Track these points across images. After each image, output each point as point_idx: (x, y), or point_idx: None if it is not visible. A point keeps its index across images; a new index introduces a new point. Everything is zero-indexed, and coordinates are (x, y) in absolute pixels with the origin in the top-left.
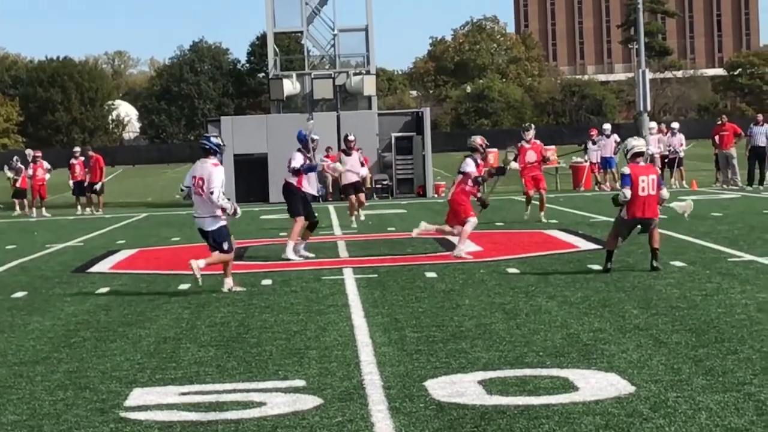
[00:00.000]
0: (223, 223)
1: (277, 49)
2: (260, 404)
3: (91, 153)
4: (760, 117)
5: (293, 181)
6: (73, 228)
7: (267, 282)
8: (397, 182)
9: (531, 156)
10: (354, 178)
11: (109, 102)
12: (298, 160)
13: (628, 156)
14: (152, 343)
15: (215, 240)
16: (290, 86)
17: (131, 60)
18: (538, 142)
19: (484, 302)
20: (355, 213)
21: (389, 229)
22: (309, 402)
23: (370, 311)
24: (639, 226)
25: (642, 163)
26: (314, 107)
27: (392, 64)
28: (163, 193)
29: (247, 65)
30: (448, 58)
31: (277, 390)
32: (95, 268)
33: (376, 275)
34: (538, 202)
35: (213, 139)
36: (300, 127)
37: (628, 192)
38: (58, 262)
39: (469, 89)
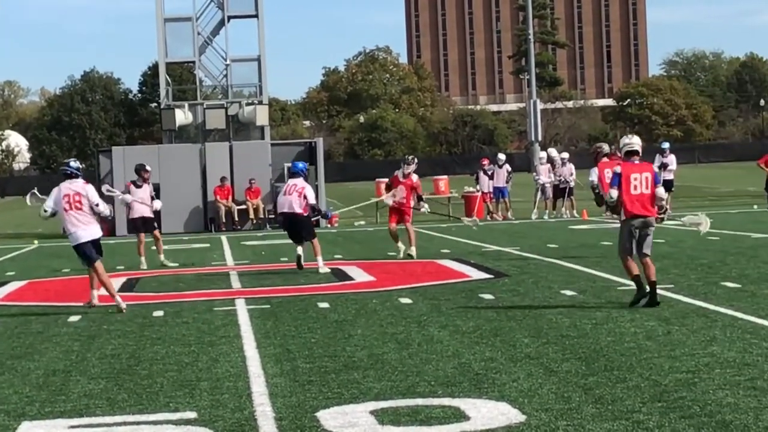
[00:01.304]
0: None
1: (169, 79)
2: None
3: None
4: None
5: (300, 210)
6: None
7: (159, 313)
8: None
9: (400, 192)
10: (146, 212)
11: None
12: (312, 195)
13: (622, 153)
14: (41, 376)
15: (99, 246)
16: (182, 116)
17: (21, 90)
18: (414, 178)
19: (377, 332)
20: (161, 253)
21: (282, 259)
22: None
23: (262, 342)
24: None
25: (637, 161)
26: (207, 137)
27: (285, 94)
28: (54, 224)
29: (139, 95)
30: (341, 88)
31: (168, 422)
32: None
33: (268, 306)
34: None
35: (73, 164)
36: (193, 157)
37: (614, 192)
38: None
39: (362, 119)
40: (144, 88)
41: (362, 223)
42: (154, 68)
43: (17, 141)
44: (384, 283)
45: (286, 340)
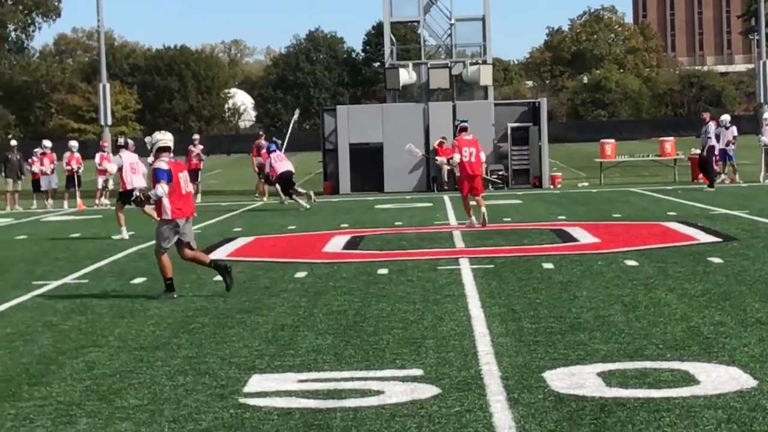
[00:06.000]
0: None
1: (393, 39)
2: (378, 392)
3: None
4: None
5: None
6: None
7: (383, 271)
8: (513, 173)
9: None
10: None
11: (225, 90)
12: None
13: None
14: (270, 330)
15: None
16: (406, 76)
17: (247, 49)
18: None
19: (602, 294)
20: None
21: (505, 219)
22: (427, 391)
23: (486, 302)
24: None
25: None
26: (430, 97)
27: (508, 54)
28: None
29: (363, 55)
30: (564, 48)
31: (395, 379)
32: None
33: (492, 266)
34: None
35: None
36: (417, 117)
37: None
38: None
39: (585, 80)
40: (367, 47)
41: (585, 184)
42: (378, 28)
43: (243, 99)
44: (609, 245)
45: (510, 300)
